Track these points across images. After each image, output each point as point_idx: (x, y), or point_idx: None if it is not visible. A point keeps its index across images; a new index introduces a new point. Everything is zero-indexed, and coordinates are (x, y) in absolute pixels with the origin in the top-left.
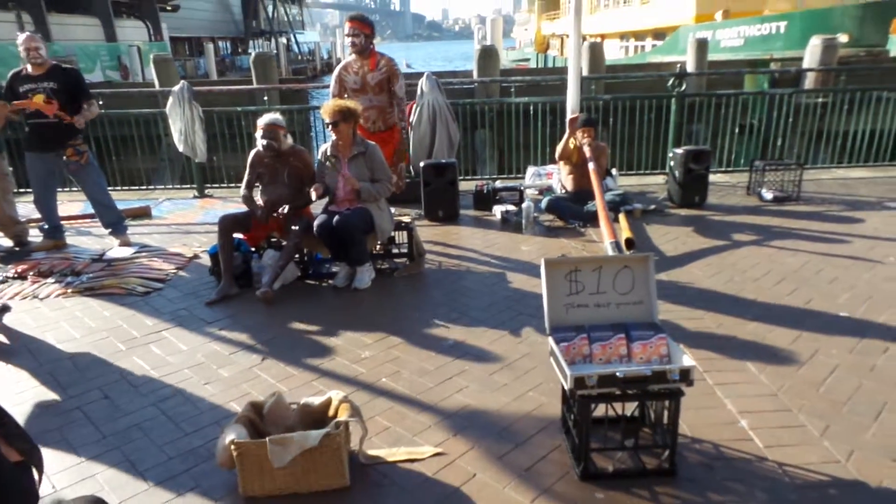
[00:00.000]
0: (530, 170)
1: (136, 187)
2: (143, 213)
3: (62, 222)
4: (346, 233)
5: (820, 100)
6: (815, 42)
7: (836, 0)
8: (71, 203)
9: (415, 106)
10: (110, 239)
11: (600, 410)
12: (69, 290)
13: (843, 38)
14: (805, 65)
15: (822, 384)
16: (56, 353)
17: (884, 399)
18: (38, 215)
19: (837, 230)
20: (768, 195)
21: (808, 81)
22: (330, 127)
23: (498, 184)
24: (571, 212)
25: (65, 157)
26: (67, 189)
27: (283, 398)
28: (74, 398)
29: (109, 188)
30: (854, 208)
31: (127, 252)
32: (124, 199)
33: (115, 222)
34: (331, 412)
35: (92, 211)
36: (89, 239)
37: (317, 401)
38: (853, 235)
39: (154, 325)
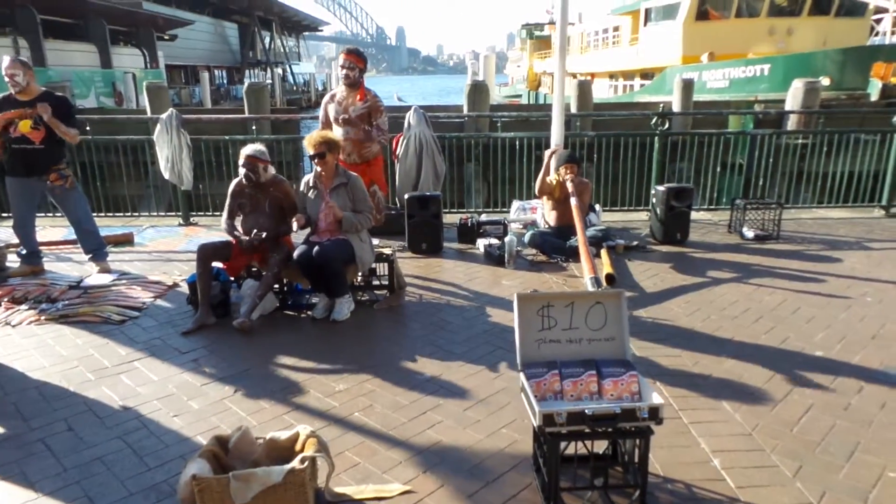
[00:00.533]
0: (515, 204)
1: (121, 214)
2: (125, 240)
3: (42, 248)
4: (325, 263)
5: (801, 141)
6: (798, 85)
7: (817, 45)
8: (53, 228)
9: (401, 138)
10: (90, 266)
11: (571, 448)
12: (43, 318)
13: (825, 81)
14: (788, 107)
15: (796, 424)
16: (23, 383)
17: (857, 439)
18: (16, 240)
19: (816, 269)
20: (749, 233)
21: (791, 123)
22: (315, 159)
23: (482, 217)
24: (554, 247)
25: (49, 182)
26: (50, 214)
27: (249, 432)
28: (37, 430)
29: (94, 214)
30: (832, 248)
31: (106, 279)
32: (108, 225)
33: (96, 248)
34: (298, 447)
35: (74, 237)
36: (68, 265)
37: (284, 435)
38: (831, 275)
39: (127, 354)
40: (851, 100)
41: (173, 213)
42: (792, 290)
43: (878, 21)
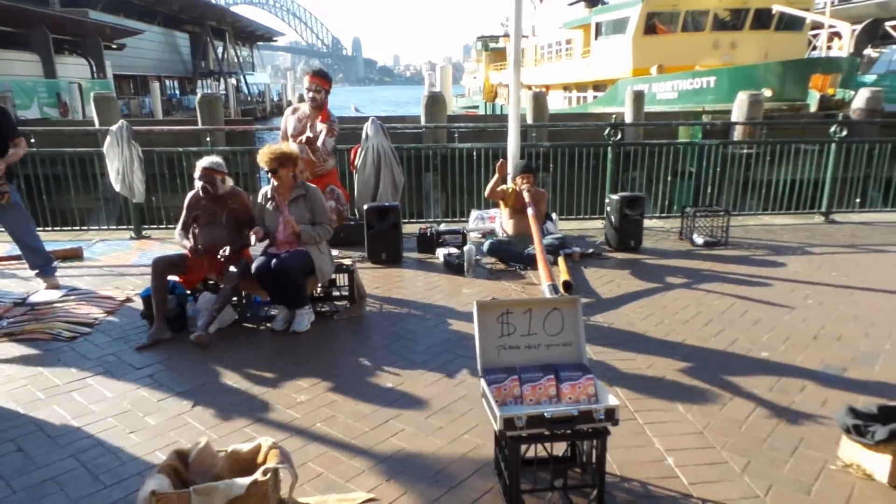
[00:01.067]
0: (473, 213)
1: (69, 228)
2: (73, 255)
3: None
4: (285, 275)
5: (746, 150)
6: (742, 97)
7: (759, 57)
8: None
9: (359, 149)
10: (36, 282)
11: (532, 452)
12: None
13: (767, 92)
14: (733, 117)
15: (744, 422)
16: None
17: (800, 435)
18: None
19: (761, 273)
20: (699, 240)
21: (736, 133)
22: (270, 174)
23: (442, 227)
24: (512, 255)
25: None
26: None
27: (210, 445)
28: None
29: (40, 229)
30: (777, 253)
31: (54, 295)
32: (56, 239)
33: (43, 264)
34: (260, 459)
35: (18, 253)
36: (13, 282)
37: (245, 447)
38: (775, 279)
39: (78, 371)
40: (792, 110)
41: (125, 227)
42: (739, 294)
43: (815, 36)
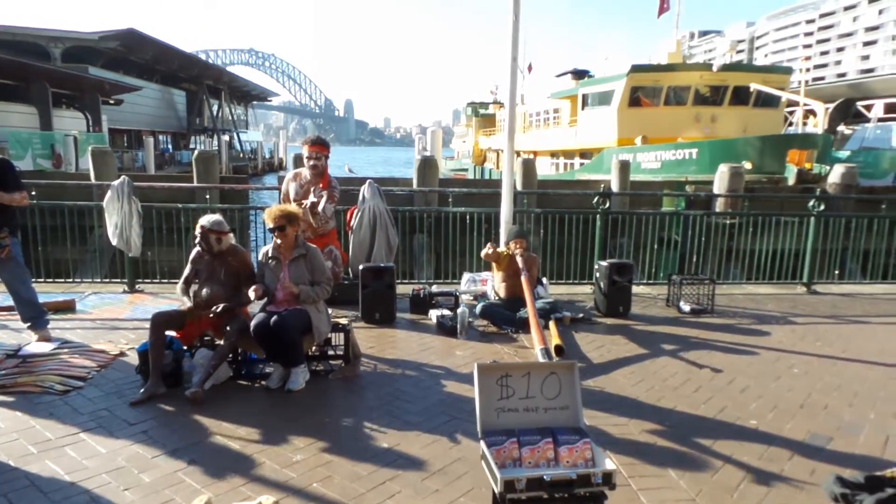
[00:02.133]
0: (466, 276)
1: (62, 279)
2: (66, 307)
3: None
4: (282, 333)
5: (729, 221)
6: (724, 169)
7: (739, 132)
8: None
9: (356, 211)
10: (28, 334)
11: None
12: None
13: (747, 165)
14: (715, 188)
15: (735, 490)
16: None
17: (789, 503)
18: None
19: (747, 342)
20: (686, 307)
21: (719, 204)
22: (275, 232)
23: (434, 288)
24: (504, 318)
25: None
26: None
27: (213, 502)
28: None
29: (34, 279)
30: (761, 322)
31: (46, 348)
32: (48, 291)
33: (35, 316)
34: None
35: (10, 303)
36: (5, 333)
37: None
38: (761, 347)
39: (71, 426)
40: (771, 183)
41: (117, 280)
42: (727, 361)
43: (791, 112)
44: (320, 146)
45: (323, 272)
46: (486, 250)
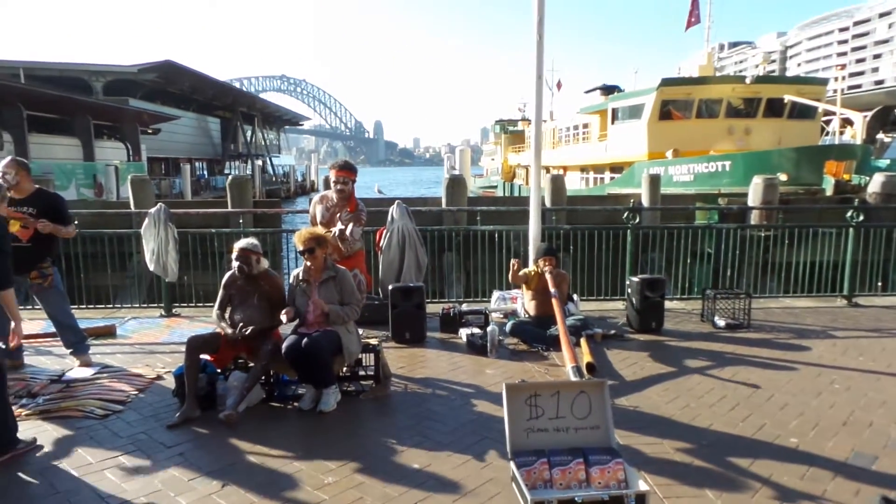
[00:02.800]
0: (495, 294)
1: (102, 305)
2: (107, 332)
3: (22, 342)
4: (314, 354)
5: (764, 233)
6: (757, 181)
7: (773, 143)
8: (32, 321)
9: (385, 231)
10: (71, 359)
11: None
12: (24, 413)
13: (782, 177)
14: (749, 200)
15: None
16: (5, 481)
17: None
18: None
19: (786, 357)
20: (721, 322)
21: (753, 217)
22: (305, 254)
23: (464, 307)
24: (535, 336)
25: (28, 280)
26: (29, 307)
27: None
28: None
29: (74, 306)
30: (800, 336)
31: (87, 372)
32: (89, 317)
33: (77, 342)
34: None
35: (53, 330)
36: (49, 359)
37: None
38: (801, 363)
39: (110, 449)
40: (808, 195)
41: (155, 305)
42: (765, 378)
43: (828, 122)
44: (347, 171)
45: (353, 293)
46: (513, 268)
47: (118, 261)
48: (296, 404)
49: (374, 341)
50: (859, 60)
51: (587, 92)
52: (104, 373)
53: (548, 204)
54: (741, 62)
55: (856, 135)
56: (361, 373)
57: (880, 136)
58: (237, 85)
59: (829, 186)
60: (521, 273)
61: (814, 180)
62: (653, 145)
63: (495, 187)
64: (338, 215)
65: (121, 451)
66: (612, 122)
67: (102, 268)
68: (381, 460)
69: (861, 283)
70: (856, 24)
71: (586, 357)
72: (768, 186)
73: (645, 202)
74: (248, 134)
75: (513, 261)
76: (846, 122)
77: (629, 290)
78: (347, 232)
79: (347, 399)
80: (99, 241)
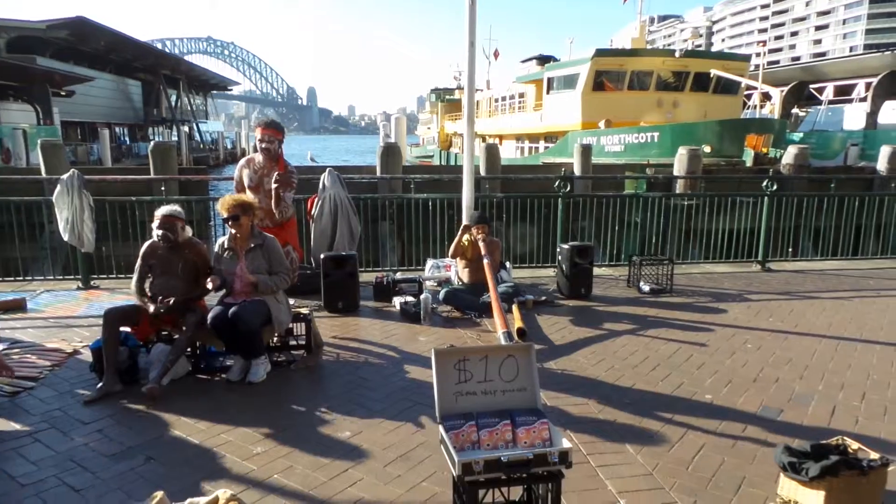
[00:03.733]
0: (429, 262)
1: (11, 278)
2: (16, 306)
3: None
4: (241, 324)
5: (688, 202)
6: (683, 152)
7: (699, 116)
8: None
9: (316, 199)
10: None
11: (489, 498)
12: None
13: (706, 148)
14: (675, 170)
15: (690, 462)
16: None
17: (743, 473)
18: None
19: (704, 320)
20: (646, 287)
21: (678, 186)
22: (229, 221)
23: (398, 275)
24: (468, 303)
25: None
26: None
27: (165, 499)
28: None
29: None
30: (718, 300)
31: None
32: None
33: None
34: None
35: None
36: None
37: (203, 500)
38: (717, 324)
39: (21, 428)
40: (729, 166)
41: (71, 277)
42: (684, 339)
43: (749, 97)
44: (273, 129)
45: (281, 262)
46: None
47: (28, 231)
48: (224, 376)
49: (305, 310)
50: (778, 37)
51: (523, 61)
52: (14, 348)
53: (482, 172)
54: (670, 36)
55: (774, 109)
56: (292, 342)
57: (795, 110)
58: (159, 46)
59: (748, 158)
60: (459, 246)
61: (735, 152)
62: (586, 115)
63: (432, 156)
64: (265, 178)
65: (32, 430)
66: (548, 92)
67: (11, 239)
68: (312, 429)
69: (773, 249)
70: (775, 1)
71: (517, 323)
72: (692, 157)
73: (577, 171)
74: (173, 98)
75: (464, 218)
76: (765, 97)
77: (560, 258)
78: (289, 199)
79: (278, 369)
80: (6, 210)
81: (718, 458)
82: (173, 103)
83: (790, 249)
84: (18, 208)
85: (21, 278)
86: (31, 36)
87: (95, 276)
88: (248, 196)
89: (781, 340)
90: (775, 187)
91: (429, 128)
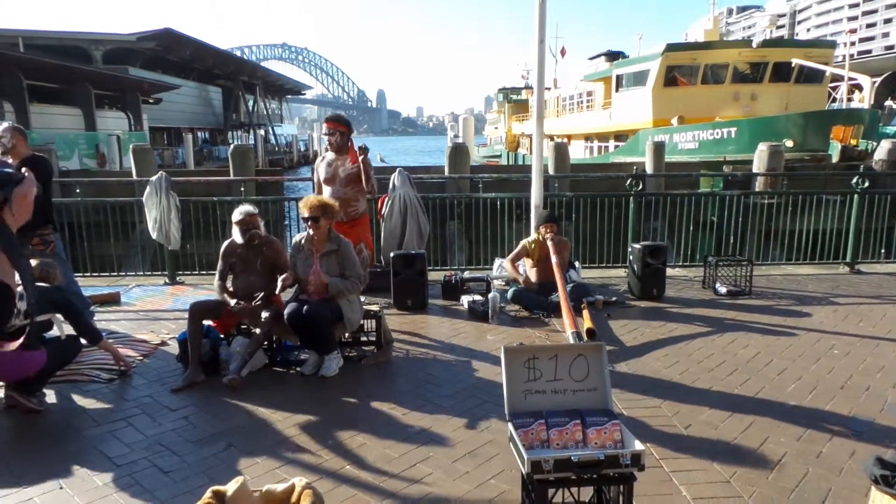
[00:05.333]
0: (497, 261)
1: (107, 273)
2: (111, 300)
3: None
4: (315, 321)
5: (768, 201)
6: (762, 148)
7: (780, 109)
8: None
9: (387, 199)
10: None
11: (558, 498)
12: None
13: (788, 143)
14: (754, 168)
15: (771, 471)
16: (14, 444)
17: (829, 485)
18: None
19: (786, 323)
20: (722, 289)
21: (758, 184)
22: (309, 222)
23: (466, 274)
24: (536, 302)
25: (30, 246)
26: None
27: (246, 485)
28: (26, 490)
29: (79, 274)
30: (802, 303)
31: None
32: (93, 284)
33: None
34: (293, 499)
35: None
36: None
37: (279, 488)
38: (800, 328)
39: (116, 412)
40: (814, 161)
41: (159, 273)
42: (764, 343)
43: (835, 88)
44: (334, 122)
45: (354, 267)
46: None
47: (121, 230)
48: (298, 369)
49: (375, 308)
50: (870, 25)
51: (591, 59)
52: (109, 338)
53: (551, 171)
54: (750, 27)
55: (864, 99)
56: (363, 339)
57: (889, 102)
58: (238, 54)
59: (835, 152)
60: (518, 261)
61: (820, 146)
62: (657, 112)
63: (499, 157)
64: (340, 168)
65: (126, 414)
66: (617, 90)
67: (106, 237)
68: (383, 423)
69: (864, 250)
70: None
71: (586, 323)
72: (773, 153)
73: (649, 170)
74: (250, 103)
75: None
76: (854, 88)
77: (631, 258)
78: (373, 178)
79: (349, 364)
80: (102, 210)
81: (802, 468)
82: (250, 108)
83: (882, 251)
84: (113, 209)
85: (115, 274)
86: (123, 48)
87: (181, 273)
88: (331, 200)
89: (872, 347)
90: (867, 184)
91: (496, 128)
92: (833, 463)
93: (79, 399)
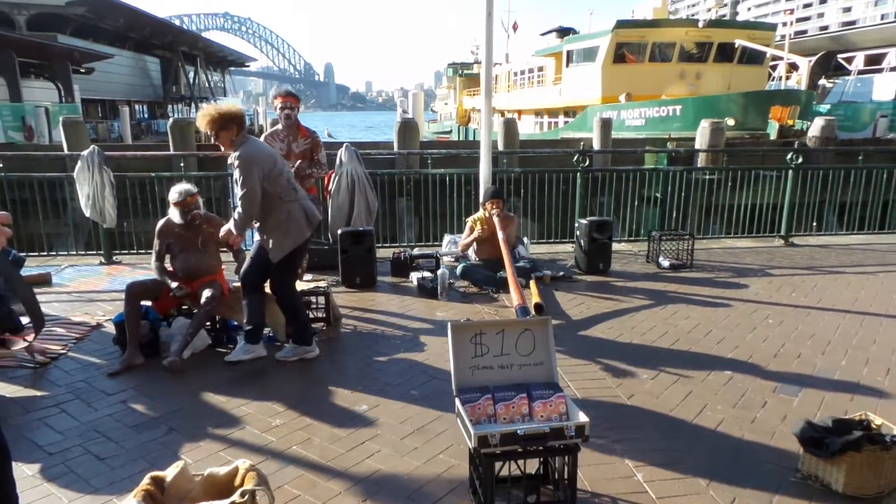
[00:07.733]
0: (446, 238)
1: (35, 253)
2: (42, 281)
3: None
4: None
5: (709, 176)
6: (705, 125)
7: (723, 88)
8: None
9: (333, 175)
10: None
11: (506, 470)
12: None
13: (730, 121)
14: (697, 145)
15: (709, 437)
16: None
17: (762, 448)
18: None
19: (724, 295)
20: (665, 263)
21: (700, 160)
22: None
23: (415, 251)
24: (484, 278)
25: None
26: None
27: (186, 469)
28: None
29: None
30: (739, 275)
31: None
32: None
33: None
34: (237, 482)
35: None
36: None
37: (222, 471)
38: (738, 300)
39: (47, 398)
40: (753, 139)
41: (94, 252)
42: (704, 314)
43: (774, 68)
44: (292, 97)
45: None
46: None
47: (51, 207)
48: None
49: (323, 284)
50: (806, 5)
51: (543, 34)
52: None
53: (500, 147)
54: (693, 5)
55: (801, 80)
56: (311, 315)
57: (822, 81)
58: (177, 23)
59: (773, 131)
60: (469, 239)
61: (760, 125)
62: (606, 89)
63: (450, 132)
64: (293, 144)
65: (59, 400)
66: (567, 65)
67: (35, 215)
68: (330, 402)
69: (797, 223)
70: None
71: (534, 298)
72: (715, 130)
73: (596, 146)
74: (191, 75)
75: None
76: (792, 67)
77: (578, 233)
78: (323, 158)
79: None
80: (29, 187)
81: (738, 432)
82: (191, 80)
83: (814, 224)
84: (41, 185)
85: (46, 253)
86: (50, 13)
87: (117, 252)
88: (225, 107)
89: (804, 316)
90: (800, 160)
91: (446, 103)
92: (767, 429)
93: (5, 386)
